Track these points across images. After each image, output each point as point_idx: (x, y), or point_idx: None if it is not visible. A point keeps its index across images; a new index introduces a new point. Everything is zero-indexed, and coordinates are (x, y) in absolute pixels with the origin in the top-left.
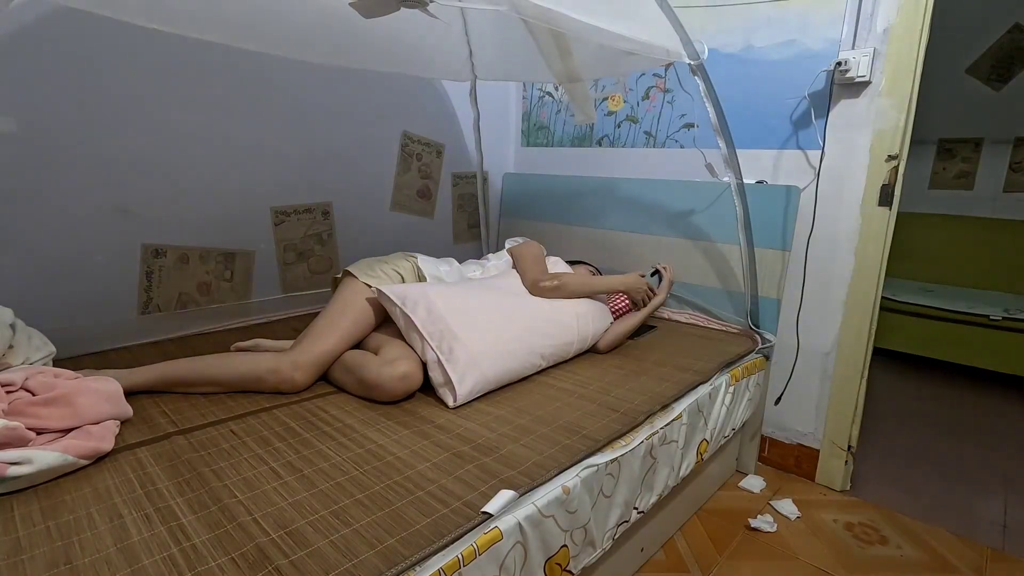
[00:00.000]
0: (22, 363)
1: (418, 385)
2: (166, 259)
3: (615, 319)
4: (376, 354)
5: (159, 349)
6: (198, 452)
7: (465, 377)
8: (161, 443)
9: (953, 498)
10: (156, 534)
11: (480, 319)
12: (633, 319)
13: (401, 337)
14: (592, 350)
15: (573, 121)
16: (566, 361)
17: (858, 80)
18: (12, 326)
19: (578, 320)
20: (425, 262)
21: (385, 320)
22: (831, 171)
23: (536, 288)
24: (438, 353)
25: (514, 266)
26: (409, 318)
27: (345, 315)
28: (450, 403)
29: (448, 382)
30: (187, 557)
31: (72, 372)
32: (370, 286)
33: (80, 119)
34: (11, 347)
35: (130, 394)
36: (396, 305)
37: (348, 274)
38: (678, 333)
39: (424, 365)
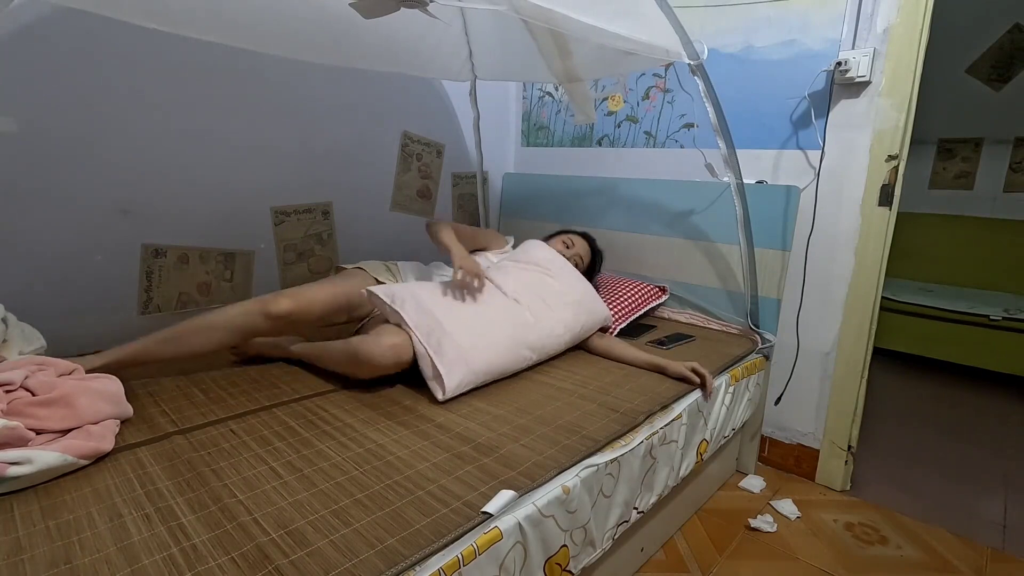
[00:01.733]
0: (17, 355)
1: (408, 359)
2: (166, 259)
3: (615, 319)
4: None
5: None
6: (198, 452)
7: (453, 370)
8: (161, 443)
9: (953, 498)
10: (156, 534)
11: (466, 313)
12: (641, 356)
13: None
14: (585, 347)
15: (573, 121)
16: (566, 361)
17: (858, 80)
18: (4, 320)
19: (567, 312)
20: (406, 269)
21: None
22: (831, 171)
23: (429, 228)
24: (426, 347)
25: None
26: (398, 314)
27: (336, 279)
28: (439, 396)
29: (437, 375)
30: (187, 557)
31: (68, 363)
32: (367, 276)
33: (80, 119)
34: (4, 341)
35: (127, 381)
36: (386, 303)
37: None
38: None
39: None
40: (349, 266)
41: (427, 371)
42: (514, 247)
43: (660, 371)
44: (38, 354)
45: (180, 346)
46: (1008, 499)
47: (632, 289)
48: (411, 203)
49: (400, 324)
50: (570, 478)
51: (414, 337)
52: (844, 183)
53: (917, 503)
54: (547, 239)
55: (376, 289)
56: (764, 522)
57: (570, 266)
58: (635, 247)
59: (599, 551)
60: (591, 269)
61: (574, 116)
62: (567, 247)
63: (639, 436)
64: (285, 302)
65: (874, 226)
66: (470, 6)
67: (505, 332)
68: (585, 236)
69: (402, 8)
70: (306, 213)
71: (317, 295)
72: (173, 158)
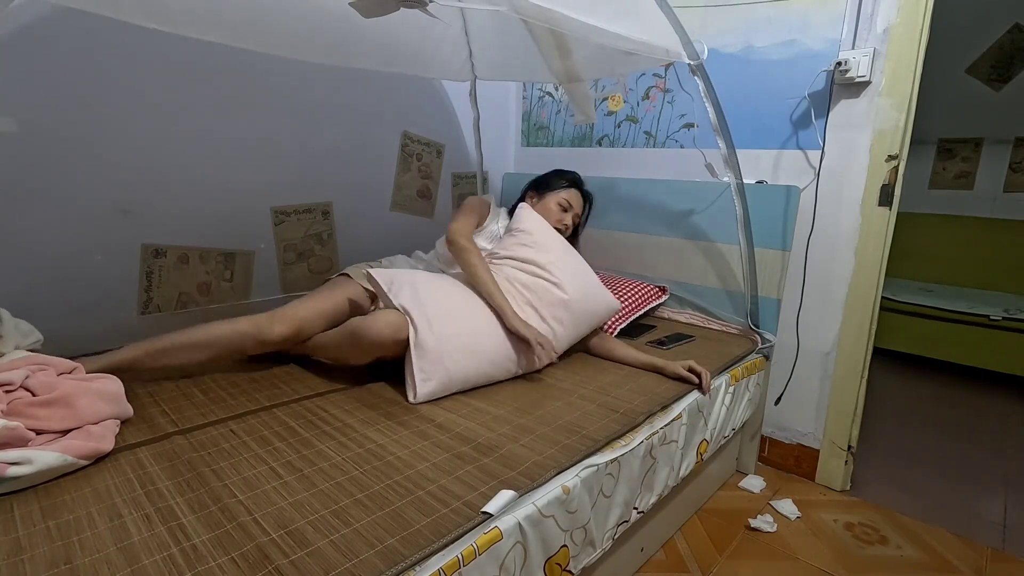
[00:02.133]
0: (14, 350)
1: (405, 337)
2: (166, 259)
3: (616, 319)
4: None
5: None
6: (198, 452)
7: (430, 377)
8: (161, 443)
9: (953, 498)
10: (156, 534)
11: (458, 316)
12: (638, 357)
13: None
14: (583, 346)
15: (573, 121)
16: (566, 361)
17: (858, 80)
18: None
19: (563, 328)
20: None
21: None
22: (831, 171)
23: (449, 240)
24: (412, 342)
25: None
26: (391, 303)
27: (323, 292)
28: (411, 398)
29: (411, 375)
30: (187, 557)
31: (69, 362)
32: (353, 282)
33: (80, 119)
34: (0, 337)
35: (127, 381)
36: (383, 288)
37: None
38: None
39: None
40: (334, 275)
41: (407, 366)
42: (498, 205)
43: (657, 372)
44: (34, 348)
45: (170, 359)
46: (1008, 499)
47: (632, 289)
48: (411, 203)
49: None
50: (570, 478)
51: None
52: (844, 183)
53: (917, 503)
54: (535, 193)
55: (376, 273)
56: (764, 522)
57: (573, 261)
58: (635, 247)
59: (599, 551)
60: (584, 218)
61: (574, 116)
62: (564, 210)
63: (639, 436)
64: (279, 328)
65: (874, 226)
66: (470, 6)
67: (492, 342)
68: (576, 183)
69: (402, 8)
70: (306, 213)
71: (309, 314)
72: (173, 158)
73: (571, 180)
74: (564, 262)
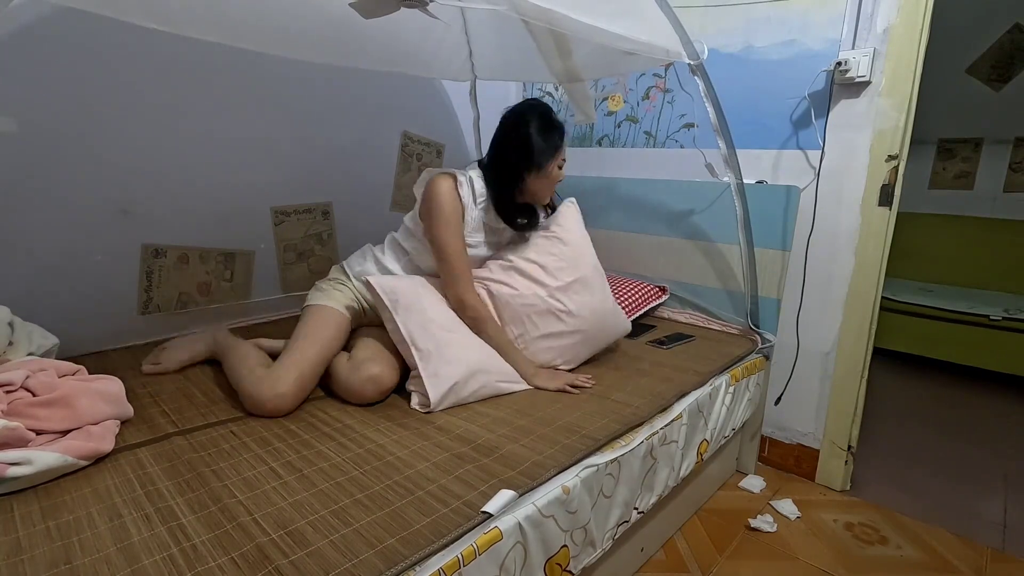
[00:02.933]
0: (25, 357)
1: (390, 386)
2: (166, 259)
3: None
4: (350, 353)
5: None
6: (198, 452)
7: (443, 401)
8: (161, 443)
9: (953, 498)
10: (156, 534)
11: (467, 341)
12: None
13: (375, 335)
14: None
15: (573, 121)
16: None
17: (858, 80)
18: (11, 324)
19: (569, 351)
20: (352, 266)
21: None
22: (831, 171)
23: (458, 309)
24: (422, 371)
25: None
26: (396, 325)
27: (311, 335)
28: (416, 405)
29: (425, 397)
30: (187, 557)
31: (72, 365)
32: (333, 310)
33: (80, 119)
34: (11, 344)
35: (128, 382)
36: (388, 309)
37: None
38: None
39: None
40: (311, 304)
41: (417, 387)
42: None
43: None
44: (48, 354)
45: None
46: (1008, 499)
47: (632, 289)
48: (411, 203)
49: (395, 333)
50: (570, 478)
51: (413, 355)
52: (844, 183)
53: (917, 503)
54: (534, 167)
55: (378, 283)
56: (764, 522)
57: (597, 283)
58: (635, 247)
59: (599, 551)
60: None
61: (574, 116)
62: (560, 167)
63: (639, 436)
64: (287, 405)
65: (874, 226)
66: (470, 6)
67: (502, 369)
68: (562, 133)
69: (402, 8)
70: (306, 213)
71: (309, 372)
72: (173, 158)
73: (560, 131)
74: (587, 287)
